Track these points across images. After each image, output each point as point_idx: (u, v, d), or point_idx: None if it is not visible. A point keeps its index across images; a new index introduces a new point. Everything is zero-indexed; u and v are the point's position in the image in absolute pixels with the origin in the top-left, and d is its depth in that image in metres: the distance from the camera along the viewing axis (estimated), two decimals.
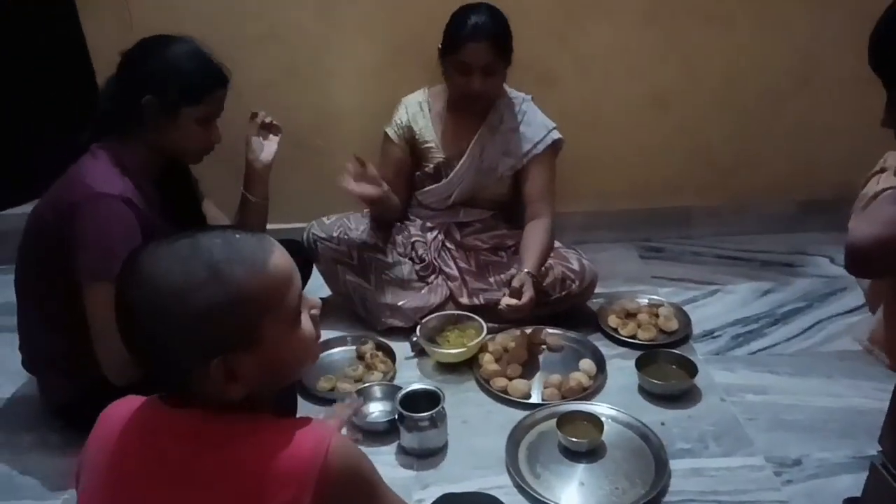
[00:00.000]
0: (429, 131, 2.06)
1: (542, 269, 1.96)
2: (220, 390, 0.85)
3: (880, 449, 1.20)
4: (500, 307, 1.82)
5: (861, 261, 1.17)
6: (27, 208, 2.22)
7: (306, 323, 0.93)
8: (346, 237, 2.06)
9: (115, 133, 1.54)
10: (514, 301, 1.80)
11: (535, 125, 2.05)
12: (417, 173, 2.11)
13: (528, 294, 1.80)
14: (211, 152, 1.65)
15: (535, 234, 1.97)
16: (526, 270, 1.86)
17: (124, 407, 0.92)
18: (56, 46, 2.18)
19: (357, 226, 2.09)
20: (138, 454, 0.87)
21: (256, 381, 0.87)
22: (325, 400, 1.79)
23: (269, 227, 2.36)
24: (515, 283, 1.83)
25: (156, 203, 1.58)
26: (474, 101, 1.95)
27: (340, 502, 0.86)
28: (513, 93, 2.07)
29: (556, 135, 2.05)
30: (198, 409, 0.86)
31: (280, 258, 0.88)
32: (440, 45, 1.93)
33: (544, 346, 1.96)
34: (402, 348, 1.99)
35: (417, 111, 2.07)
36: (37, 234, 1.53)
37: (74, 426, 1.65)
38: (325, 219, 2.13)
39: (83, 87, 2.05)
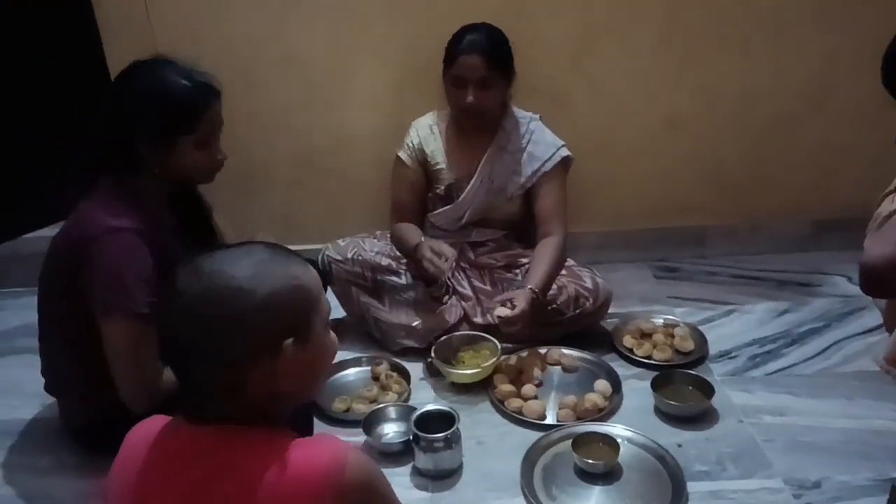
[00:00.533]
0: (439, 153, 2.08)
1: (550, 287, 1.96)
2: (258, 395, 0.89)
3: None
4: (492, 317, 1.86)
5: (875, 281, 1.16)
6: (48, 231, 2.27)
7: (330, 331, 1.00)
8: (360, 258, 2.07)
9: (119, 166, 1.52)
10: (505, 311, 1.80)
11: (544, 144, 2.06)
12: (429, 195, 2.13)
13: (520, 306, 1.80)
14: (221, 168, 1.62)
15: (543, 252, 1.98)
16: (529, 287, 1.86)
17: (149, 427, 0.95)
18: (77, 68, 2.22)
19: (371, 248, 2.11)
20: (161, 473, 0.89)
21: (290, 387, 0.92)
22: (341, 421, 1.79)
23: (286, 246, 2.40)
24: (506, 294, 1.86)
25: (168, 225, 1.59)
26: (473, 115, 1.97)
27: None
28: (520, 112, 2.09)
29: (564, 152, 2.07)
30: (219, 426, 0.89)
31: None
32: (442, 63, 1.97)
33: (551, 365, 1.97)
34: (416, 369, 1.99)
35: (428, 133, 2.09)
36: (55, 265, 1.54)
37: (92, 449, 1.67)
38: (340, 241, 2.14)
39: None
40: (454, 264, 2.09)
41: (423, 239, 1.96)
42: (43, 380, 1.70)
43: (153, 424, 0.95)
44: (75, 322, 1.51)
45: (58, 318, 1.58)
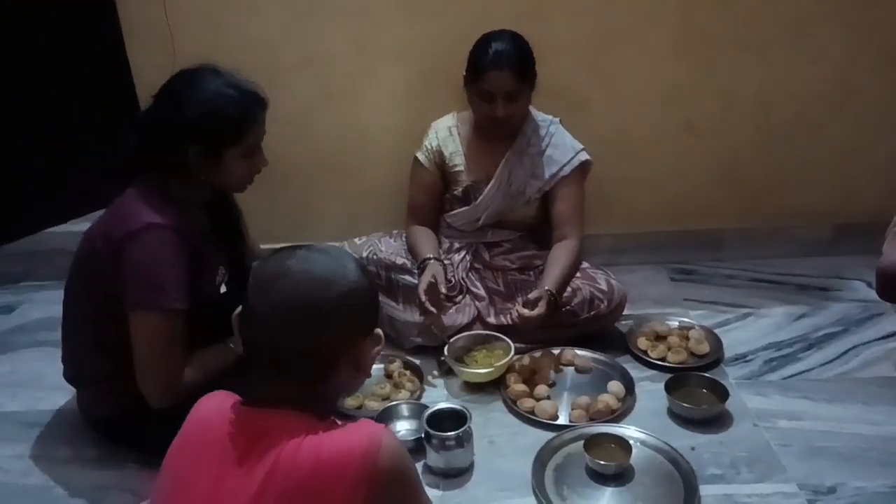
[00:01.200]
0: (458, 155, 2.09)
1: (565, 289, 1.96)
2: (336, 384, 1.04)
3: None
4: (512, 316, 1.87)
5: (893, 286, 1.15)
6: (70, 227, 2.32)
7: None
8: (375, 258, 2.08)
9: (164, 170, 1.55)
10: (525, 311, 1.82)
11: (563, 147, 2.06)
12: (446, 196, 2.13)
13: (540, 308, 1.82)
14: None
15: (559, 255, 1.98)
16: (546, 289, 1.87)
17: (215, 402, 1.06)
18: (101, 69, 2.26)
19: (387, 247, 2.12)
20: (218, 442, 0.99)
21: (365, 376, 1.07)
22: (353, 418, 1.80)
23: None
24: (532, 296, 1.86)
25: (201, 228, 1.63)
26: (500, 126, 1.98)
27: (388, 496, 0.97)
28: (540, 115, 2.09)
29: (583, 156, 2.06)
30: (277, 410, 0.99)
31: None
32: (465, 73, 1.96)
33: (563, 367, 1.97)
34: (429, 367, 2.00)
35: (447, 135, 2.10)
36: (88, 259, 1.57)
37: (110, 440, 1.71)
38: (356, 239, 2.16)
39: (126, 111, 2.13)
40: (468, 265, 2.11)
41: (430, 259, 1.97)
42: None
43: (219, 399, 1.05)
44: (105, 313, 1.54)
45: (88, 308, 1.60)
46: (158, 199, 1.52)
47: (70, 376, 1.72)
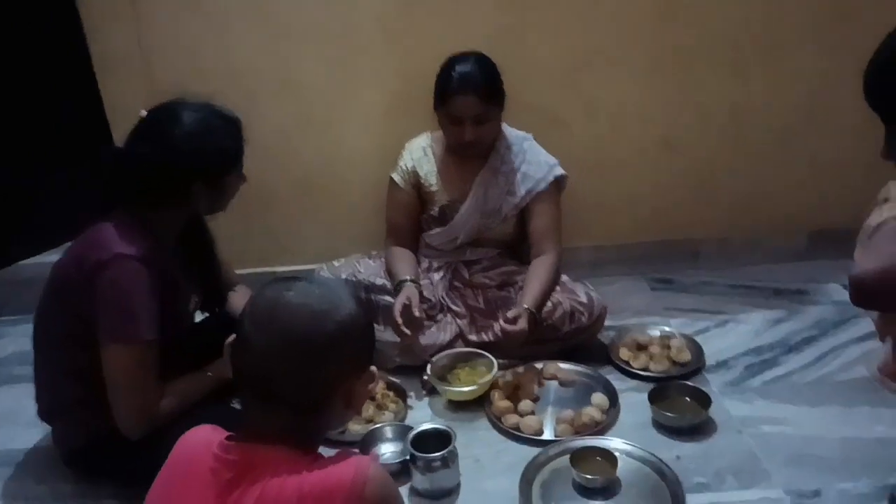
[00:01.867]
0: (433, 175, 2.09)
1: (545, 305, 1.97)
2: (335, 418, 1.05)
3: None
4: (495, 331, 1.88)
5: (867, 295, 1.16)
6: (44, 258, 2.28)
7: None
8: (354, 279, 2.08)
9: (140, 202, 1.54)
10: (508, 326, 1.83)
11: (537, 163, 2.07)
12: (423, 216, 2.13)
13: (521, 324, 1.83)
14: None
15: (537, 272, 1.98)
16: (525, 307, 1.88)
17: (200, 436, 1.04)
18: (72, 101, 2.24)
19: (366, 269, 2.11)
20: (202, 476, 0.97)
21: (357, 410, 1.07)
22: (337, 442, 1.78)
23: (281, 269, 2.41)
24: (511, 314, 1.86)
25: (177, 257, 1.62)
26: (470, 148, 1.99)
27: None
28: (513, 132, 2.10)
29: (558, 171, 2.07)
30: (263, 445, 0.97)
31: None
32: (434, 97, 1.97)
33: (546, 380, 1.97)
34: (412, 386, 1.99)
35: (422, 155, 2.11)
36: (61, 287, 1.55)
37: (86, 473, 1.68)
38: (334, 262, 2.15)
39: (98, 143, 2.11)
40: (448, 284, 2.11)
41: (406, 281, 1.97)
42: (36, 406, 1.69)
43: (204, 433, 1.04)
44: (78, 342, 1.52)
45: (61, 334, 1.58)
46: (132, 229, 1.51)
47: (44, 410, 1.69)
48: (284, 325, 0.97)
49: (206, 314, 1.88)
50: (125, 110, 1.61)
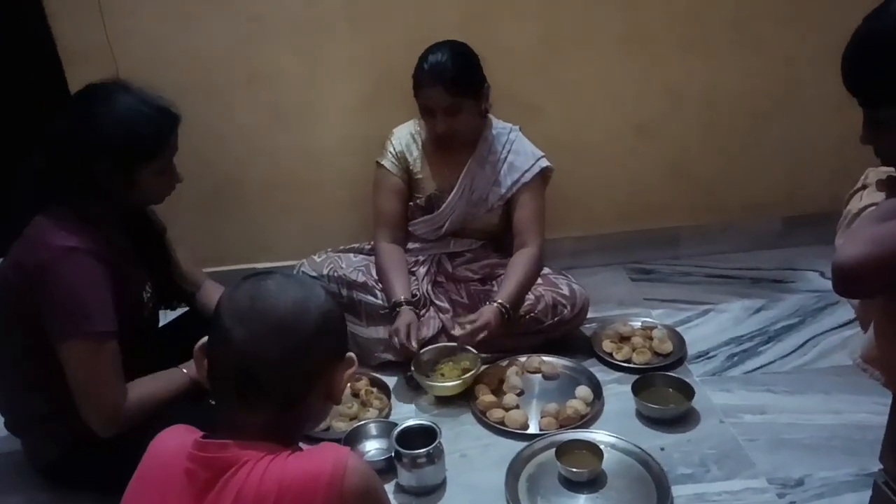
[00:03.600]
0: (420, 162, 2.07)
1: (522, 300, 1.97)
2: (315, 412, 1.05)
3: (882, 466, 1.19)
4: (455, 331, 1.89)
5: (851, 281, 1.16)
6: None
7: None
8: (335, 275, 2.05)
9: (71, 192, 1.46)
10: (468, 325, 1.84)
11: (524, 154, 2.06)
12: (409, 204, 2.11)
13: (480, 321, 1.84)
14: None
15: (516, 265, 1.98)
16: (497, 302, 1.87)
17: (173, 436, 1.03)
18: (40, 100, 2.16)
19: (347, 264, 2.08)
20: (177, 478, 0.96)
21: (336, 402, 1.06)
22: (321, 440, 1.76)
23: (260, 265, 2.37)
24: (471, 318, 1.87)
25: (120, 246, 1.54)
26: (447, 139, 1.96)
27: None
28: (500, 124, 2.09)
29: (544, 163, 2.06)
30: (243, 441, 0.96)
31: None
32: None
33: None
34: (396, 383, 1.97)
35: (410, 141, 2.08)
36: (5, 295, 1.47)
37: (62, 484, 1.62)
38: (315, 257, 2.12)
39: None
40: (432, 279, 2.09)
41: (402, 302, 1.93)
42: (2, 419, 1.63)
43: (180, 435, 1.02)
44: (33, 352, 1.45)
45: (12, 348, 1.51)
46: (70, 221, 1.43)
47: (11, 425, 1.63)
48: (269, 315, 0.97)
49: (169, 310, 1.82)
50: None
